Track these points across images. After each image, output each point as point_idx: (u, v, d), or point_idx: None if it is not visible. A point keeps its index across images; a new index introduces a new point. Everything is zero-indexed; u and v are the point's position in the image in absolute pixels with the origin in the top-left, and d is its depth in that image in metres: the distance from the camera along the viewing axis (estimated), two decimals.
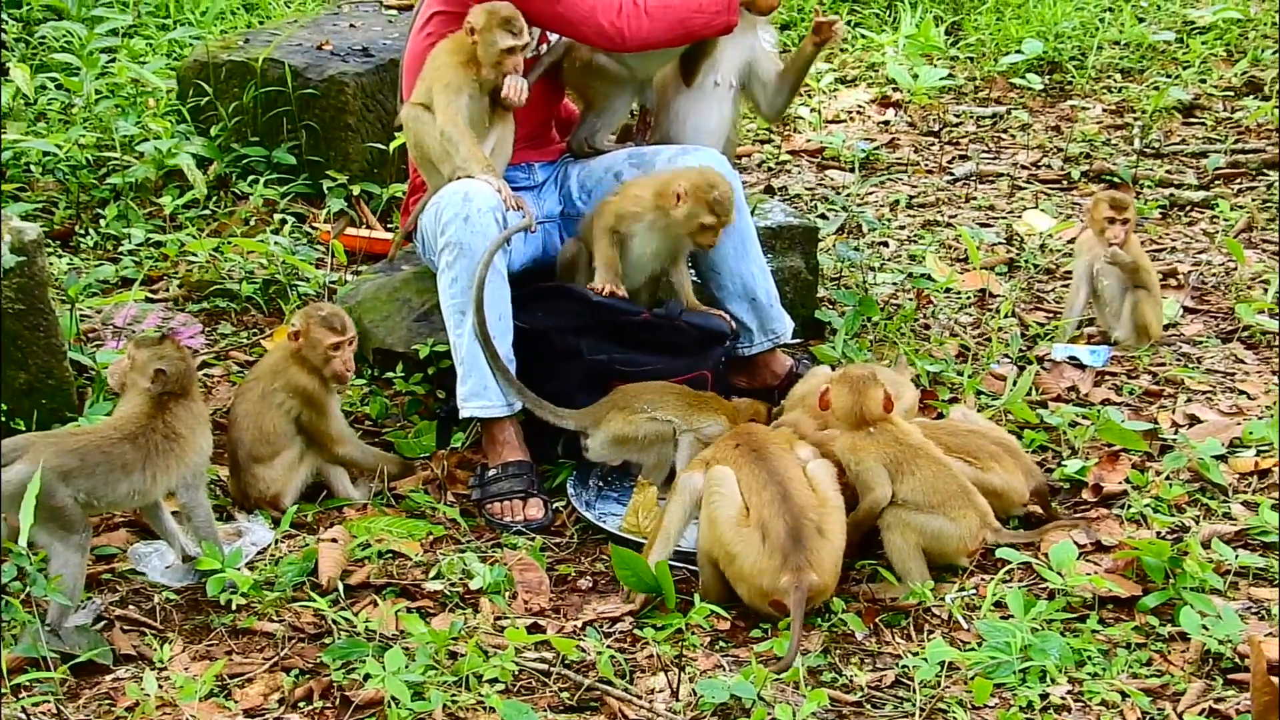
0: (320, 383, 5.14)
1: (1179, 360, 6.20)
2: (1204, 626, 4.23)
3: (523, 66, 5.40)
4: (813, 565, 4.36)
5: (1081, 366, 6.11)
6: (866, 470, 4.68)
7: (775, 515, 4.40)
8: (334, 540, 4.81)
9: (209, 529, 4.61)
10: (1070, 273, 6.72)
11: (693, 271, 5.83)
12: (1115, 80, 9.83)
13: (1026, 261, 7.19)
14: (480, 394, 5.26)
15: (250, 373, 5.28)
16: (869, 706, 4.09)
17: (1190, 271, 7.07)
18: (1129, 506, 5.04)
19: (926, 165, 8.57)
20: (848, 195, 7.99)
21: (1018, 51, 9.85)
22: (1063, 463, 5.33)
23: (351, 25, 8.09)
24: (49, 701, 3.99)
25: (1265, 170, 8.31)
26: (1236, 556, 4.62)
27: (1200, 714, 4.00)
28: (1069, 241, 7.34)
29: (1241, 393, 5.89)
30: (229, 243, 6.60)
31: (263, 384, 5.14)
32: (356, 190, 7.19)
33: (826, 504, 4.52)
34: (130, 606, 4.53)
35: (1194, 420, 5.65)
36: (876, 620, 4.50)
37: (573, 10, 5.42)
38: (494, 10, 5.30)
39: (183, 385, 4.58)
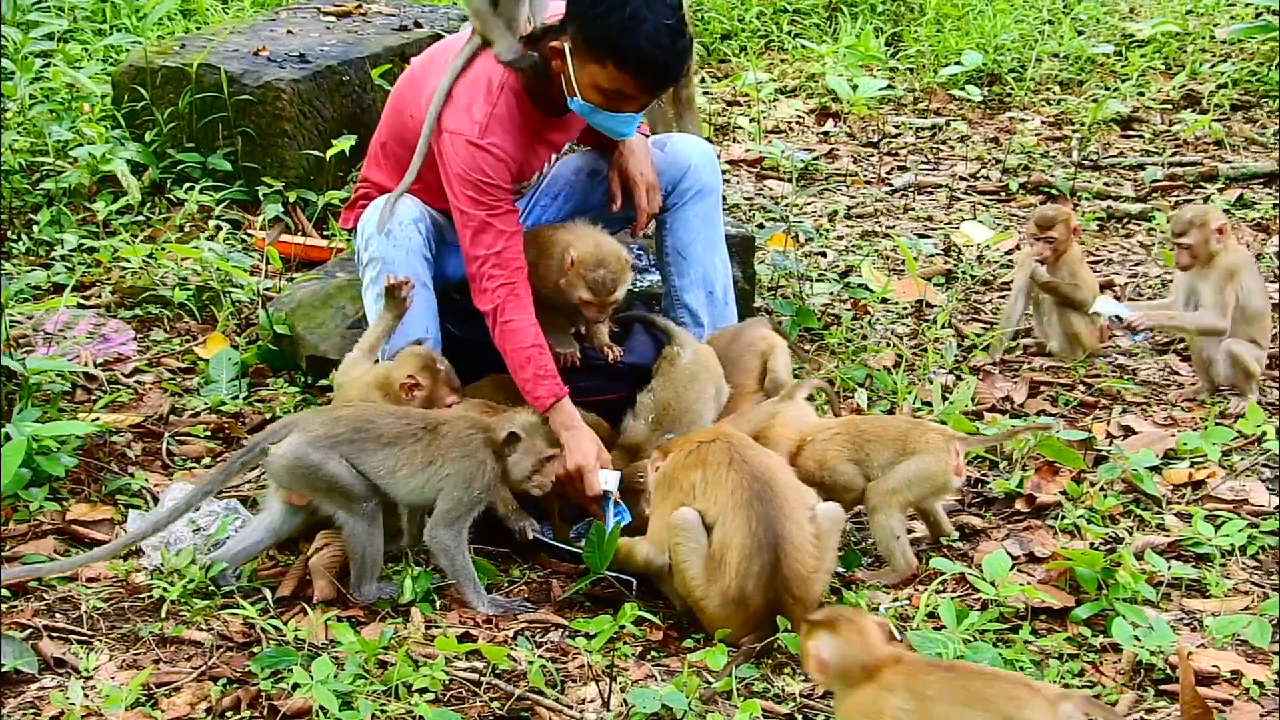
0: None
1: (1114, 372, 6.22)
2: (1136, 637, 4.24)
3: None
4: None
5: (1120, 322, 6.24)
6: (841, 476, 4.86)
7: (758, 590, 4.32)
8: None
9: (460, 573, 4.61)
10: (1009, 284, 6.74)
11: (654, 259, 5.79)
12: (1054, 92, 9.90)
13: (964, 272, 7.21)
14: None
15: None
16: (801, 718, 4.08)
17: (1127, 283, 7.11)
18: (1063, 517, 5.06)
19: (865, 176, 8.60)
20: (786, 205, 7.99)
21: (957, 63, 9.94)
22: (1000, 474, 5.35)
23: (289, 31, 8.03)
24: None
25: (1202, 183, 8.37)
26: (1169, 567, 4.65)
27: None
28: (1007, 253, 7.38)
29: (1175, 405, 5.92)
30: (163, 249, 6.55)
31: None
32: (293, 197, 7.15)
33: (818, 570, 4.42)
34: (57, 615, 4.46)
35: (1129, 431, 5.68)
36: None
37: (463, 236, 5.14)
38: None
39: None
